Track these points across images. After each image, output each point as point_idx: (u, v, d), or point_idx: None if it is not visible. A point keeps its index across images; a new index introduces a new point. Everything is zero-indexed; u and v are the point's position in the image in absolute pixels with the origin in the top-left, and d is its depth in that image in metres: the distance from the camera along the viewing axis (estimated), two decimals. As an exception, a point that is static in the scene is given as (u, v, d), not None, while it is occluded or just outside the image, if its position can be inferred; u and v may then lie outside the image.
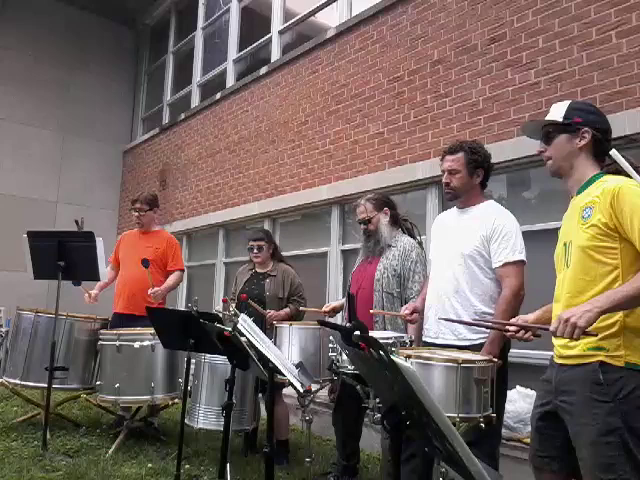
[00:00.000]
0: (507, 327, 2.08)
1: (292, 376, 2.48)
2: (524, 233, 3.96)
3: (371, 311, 3.06)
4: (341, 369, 2.74)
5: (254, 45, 7.87)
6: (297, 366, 2.58)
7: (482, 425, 2.14)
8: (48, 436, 3.83)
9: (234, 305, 3.87)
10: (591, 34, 3.84)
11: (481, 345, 2.58)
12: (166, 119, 9.77)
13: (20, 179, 9.32)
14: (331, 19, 6.49)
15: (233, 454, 3.62)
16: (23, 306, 4.40)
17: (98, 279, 4.27)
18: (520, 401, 3.67)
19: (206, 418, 3.64)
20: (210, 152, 8.12)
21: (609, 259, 1.81)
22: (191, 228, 8.39)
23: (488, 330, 2.56)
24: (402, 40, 5.30)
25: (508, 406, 3.64)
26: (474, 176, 2.79)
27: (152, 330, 3.66)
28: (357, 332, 1.53)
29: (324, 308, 3.62)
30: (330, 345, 2.85)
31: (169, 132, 9.33)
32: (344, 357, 2.71)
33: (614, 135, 2.09)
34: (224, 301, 4.07)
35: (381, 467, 3.18)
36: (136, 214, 4.66)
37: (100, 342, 4.16)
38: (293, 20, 7.17)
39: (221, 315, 3.65)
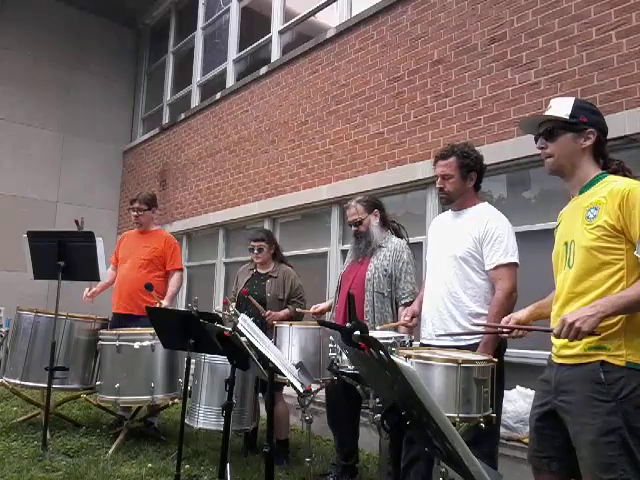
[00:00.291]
0: (503, 330, 2.08)
1: (292, 376, 2.48)
2: (524, 233, 3.99)
3: (378, 328, 3.07)
4: (341, 369, 2.74)
5: (254, 45, 7.87)
6: (297, 366, 2.58)
7: (482, 425, 2.15)
8: (48, 436, 3.84)
9: (234, 304, 3.87)
10: (591, 34, 3.84)
11: (474, 346, 2.58)
12: (166, 119, 9.77)
13: (20, 179, 9.32)
14: (331, 19, 6.49)
15: (233, 454, 3.62)
16: (23, 306, 4.40)
17: (98, 279, 4.27)
18: (520, 401, 3.67)
19: (206, 418, 3.64)
20: (210, 152, 8.12)
21: (614, 260, 1.80)
22: (191, 228, 8.39)
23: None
24: (402, 40, 5.30)
25: (508, 406, 3.65)
26: (467, 180, 2.79)
27: (152, 330, 3.66)
28: (357, 332, 1.53)
29: (312, 310, 3.67)
30: (330, 345, 2.85)
31: (169, 132, 9.33)
32: (344, 357, 2.71)
33: (614, 135, 2.09)
34: (224, 302, 4.07)
35: (379, 467, 3.17)
36: (134, 214, 4.67)
37: (100, 342, 4.16)
38: (293, 20, 7.18)
39: (221, 315, 3.65)
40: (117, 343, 4.01)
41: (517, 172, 4.36)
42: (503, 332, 2.05)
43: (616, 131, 2.05)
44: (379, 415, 2.32)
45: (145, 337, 3.99)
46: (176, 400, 4.10)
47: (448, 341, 2.67)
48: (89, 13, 10.33)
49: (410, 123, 5.10)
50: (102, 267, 4.13)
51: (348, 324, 1.77)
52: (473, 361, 2.18)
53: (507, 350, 2.79)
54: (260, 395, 3.91)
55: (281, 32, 7.33)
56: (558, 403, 1.89)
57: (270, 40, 7.45)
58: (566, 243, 1.96)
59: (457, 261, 2.71)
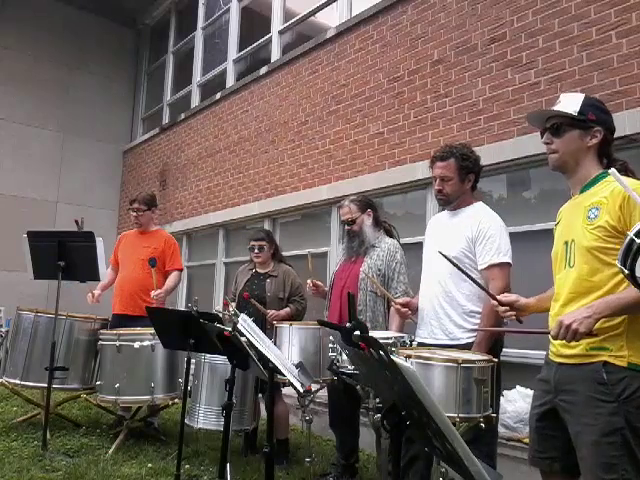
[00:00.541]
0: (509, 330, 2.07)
1: (292, 376, 2.48)
2: (524, 233, 3.99)
3: (362, 269, 3.10)
4: (341, 369, 2.74)
5: (254, 45, 7.87)
6: (297, 366, 2.58)
7: (482, 425, 2.15)
8: (48, 436, 3.84)
9: (234, 305, 3.87)
10: (591, 34, 3.84)
11: (471, 344, 2.59)
12: (166, 119, 9.77)
13: (20, 179, 9.31)
14: (331, 19, 6.49)
15: (233, 454, 3.63)
16: (23, 306, 4.40)
17: (98, 279, 4.27)
18: (520, 401, 3.67)
19: (206, 418, 3.64)
20: (210, 152, 8.12)
21: (615, 261, 1.78)
22: (191, 228, 8.39)
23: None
24: (402, 40, 5.30)
25: (508, 406, 3.65)
26: (465, 181, 2.79)
27: (152, 330, 3.66)
28: (357, 332, 1.53)
29: (309, 281, 3.63)
30: (330, 345, 2.85)
31: (169, 132, 9.33)
32: (344, 357, 2.71)
33: (614, 135, 2.08)
34: (225, 304, 4.07)
35: (378, 467, 3.18)
36: (134, 214, 4.67)
37: (100, 342, 4.16)
38: (293, 20, 7.17)
39: (221, 315, 3.65)
40: (117, 343, 4.01)
41: (517, 172, 4.36)
42: (504, 333, 2.04)
43: (616, 131, 2.04)
44: (379, 415, 2.32)
45: (145, 337, 3.99)
46: (176, 400, 4.11)
47: (446, 340, 2.68)
48: (89, 13, 10.32)
49: (410, 123, 5.10)
50: (102, 267, 4.14)
51: (348, 324, 1.77)
52: (473, 361, 2.18)
53: (507, 350, 2.79)
54: (260, 395, 3.91)
55: (281, 32, 7.33)
56: (559, 402, 1.88)
57: (270, 40, 7.45)
58: (566, 242, 1.94)
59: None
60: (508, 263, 2.66)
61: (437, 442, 1.19)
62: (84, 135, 10.12)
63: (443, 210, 3.02)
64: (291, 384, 2.51)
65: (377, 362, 1.29)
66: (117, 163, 10.65)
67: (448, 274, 2.70)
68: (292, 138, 6.55)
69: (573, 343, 1.80)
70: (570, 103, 1.97)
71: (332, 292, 3.53)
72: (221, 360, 3.56)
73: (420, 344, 2.80)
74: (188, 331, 3.13)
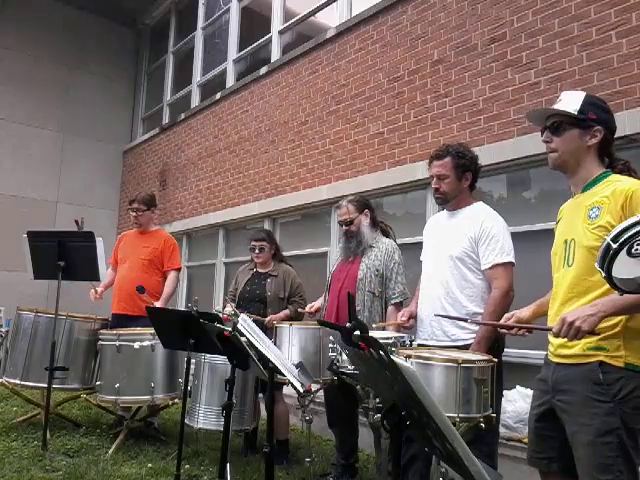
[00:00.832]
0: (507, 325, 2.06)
1: (292, 376, 2.48)
2: (524, 233, 3.98)
3: (374, 325, 3.08)
4: (341, 369, 2.74)
5: (254, 45, 7.87)
6: (297, 366, 2.58)
7: (482, 425, 2.15)
8: (48, 436, 3.84)
9: (234, 304, 3.87)
10: (591, 34, 3.84)
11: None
12: (166, 119, 9.77)
13: (20, 179, 9.31)
14: (331, 19, 6.49)
15: (233, 454, 3.63)
16: (23, 306, 4.40)
17: (98, 279, 4.27)
18: (520, 401, 3.68)
19: (206, 418, 3.65)
20: (210, 152, 8.12)
21: None
22: (191, 228, 8.39)
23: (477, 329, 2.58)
24: (402, 40, 5.30)
25: (508, 406, 3.65)
26: (462, 180, 2.80)
27: (152, 330, 3.66)
28: (357, 332, 1.53)
29: (307, 309, 3.70)
30: (330, 345, 2.85)
31: (169, 132, 9.33)
32: (344, 357, 2.71)
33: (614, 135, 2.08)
34: (225, 302, 4.06)
35: (377, 467, 3.18)
36: (133, 214, 4.67)
37: (100, 342, 4.16)
38: (293, 20, 7.17)
39: (221, 315, 3.65)
40: (117, 343, 4.01)
41: (517, 172, 4.36)
42: (502, 328, 2.04)
43: (616, 131, 2.04)
44: (379, 415, 2.32)
45: (145, 337, 3.99)
46: (176, 400, 4.11)
47: (447, 341, 2.67)
48: (89, 13, 10.33)
49: (410, 123, 5.10)
50: (102, 267, 4.14)
51: (348, 324, 1.77)
52: (473, 361, 2.18)
53: (507, 350, 2.79)
54: (260, 395, 3.91)
55: (281, 32, 7.33)
56: (556, 402, 1.88)
57: (270, 40, 7.45)
58: (566, 241, 1.94)
59: (453, 261, 2.71)
60: (512, 262, 2.66)
61: (437, 442, 1.19)
62: (84, 135, 10.12)
63: (442, 210, 3.02)
64: (291, 384, 2.51)
65: (377, 362, 1.29)
66: (117, 163, 10.65)
67: (451, 275, 2.70)
68: (292, 138, 6.55)
69: (571, 343, 1.80)
70: (571, 102, 1.96)
71: (329, 293, 3.53)
72: (221, 360, 3.56)
73: (421, 345, 2.80)
74: (188, 331, 3.13)
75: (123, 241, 4.83)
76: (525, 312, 2.08)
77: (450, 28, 4.85)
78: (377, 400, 2.50)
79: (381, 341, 1.98)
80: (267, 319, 3.86)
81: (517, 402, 3.69)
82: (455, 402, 2.10)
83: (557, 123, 1.96)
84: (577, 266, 1.86)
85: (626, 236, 1.43)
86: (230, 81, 8.17)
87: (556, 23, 4.06)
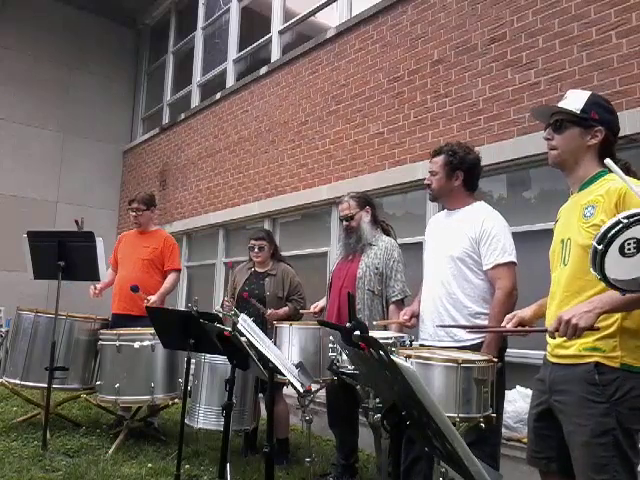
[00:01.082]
0: (506, 327, 2.06)
1: (292, 376, 2.48)
2: (524, 233, 3.98)
3: (375, 323, 3.08)
4: (341, 369, 2.74)
5: (254, 45, 7.87)
6: (297, 366, 2.58)
7: (482, 425, 2.14)
8: (48, 436, 3.84)
9: (233, 304, 3.87)
10: (591, 34, 3.84)
11: (477, 345, 2.58)
12: (166, 119, 9.77)
13: (20, 179, 9.32)
14: (331, 19, 6.49)
15: (233, 454, 3.62)
16: (23, 306, 4.40)
17: (98, 279, 4.27)
18: (520, 401, 3.68)
19: (206, 418, 3.64)
20: (210, 152, 8.12)
21: None
22: (191, 228, 8.39)
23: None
24: (402, 40, 5.30)
25: (508, 406, 3.65)
26: (453, 178, 2.80)
27: (152, 330, 3.66)
28: (357, 332, 1.53)
29: (312, 309, 3.69)
30: (330, 345, 2.85)
31: (169, 132, 9.33)
32: (344, 357, 2.71)
33: (614, 135, 2.07)
34: (225, 301, 4.06)
35: (378, 467, 3.18)
36: (133, 214, 4.67)
37: (100, 342, 4.16)
38: (293, 20, 7.18)
39: (221, 315, 3.65)
40: (117, 343, 4.01)
41: (517, 172, 4.36)
42: (500, 333, 2.04)
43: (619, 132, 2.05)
44: (379, 415, 2.32)
45: (145, 337, 3.99)
46: (176, 400, 4.11)
47: (449, 341, 2.67)
48: (89, 13, 10.33)
49: (410, 123, 5.10)
50: (102, 267, 4.14)
51: (348, 324, 1.77)
52: (473, 361, 2.18)
53: (507, 350, 2.79)
54: (260, 395, 3.91)
55: (281, 32, 7.33)
56: (553, 402, 1.88)
57: (270, 40, 7.45)
58: (563, 240, 1.94)
59: (454, 261, 2.71)
60: (514, 262, 2.66)
61: (437, 442, 1.19)
62: (84, 135, 10.12)
63: (442, 211, 3.03)
64: (291, 384, 2.51)
65: (377, 362, 1.29)
66: (117, 163, 10.65)
67: (452, 275, 2.70)
68: (292, 138, 6.55)
69: (568, 343, 1.81)
70: (575, 100, 1.96)
71: (330, 292, 3.53)
72: (221, 360, 3.56)
73: (422, 345, 2.80)
74: (188, 331, 3.13)
75: (123, 241, 4.83)
76: (527, 312, 2.08)
77: (450, 28, 4.85)
78: (377, 400, 2.50)
79: (381, 341, 1.98)
80: (268, 312, 3.86)
81: (517, 402, 3.69)
82: (455, 402, 2.10)
83: (559, 121, 1.96)
84: (572, 265, 1.87)
85: (609, 235, 1.43)
86: (230, 81, 8.17)
87: (556, 23, 4.06)
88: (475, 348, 2.56)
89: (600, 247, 1.43)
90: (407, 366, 1.14)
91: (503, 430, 3.57)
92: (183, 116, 8.96)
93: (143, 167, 9.99)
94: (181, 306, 8.07)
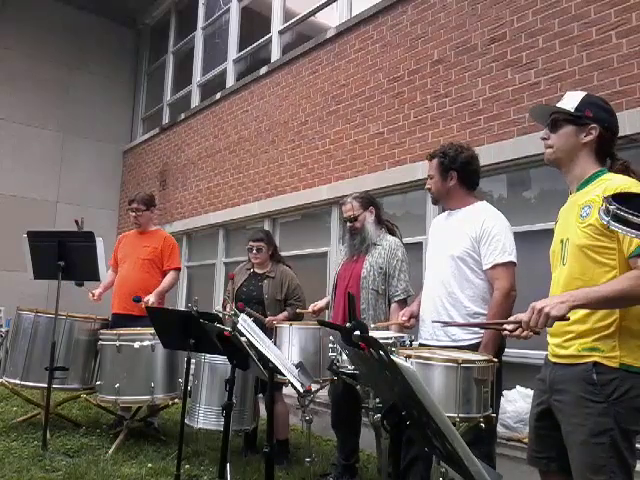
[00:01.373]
0: (504, 326, 2.06)
1: (292, 376, 2.48)
2: (524, 233, 3.98)
3: (372, 325, 3.08)
4: (341, 369, 2.74)
5: (254, 45, 7.87)
6: (297, 366, 2.58)
7: (482, 425, 2.15)
8: (48, 436, 3.84)
9: (233, 304, 3.87)
10: (591, 34, 3.84)
11: (475, 345, 2.58)
12: (166, 119, 9.77)
13: (20, 179, 9.31)
14: (331, 19, 6.49)
15: (233, 454, 3.62)
16: (23, 306, 4.40)
17: (98, 279, 4.27)
18: (520, 401, 3.67)
19: (206, 418, 3.64)
20: (210, 152, 8.12)
21: (606, 259, 1.78)
22: (191, 228, 8.39)
23: (482, 330, 2.57)
24: (402, 40, 5.30)
25: (508, 406, 3.65)
26: (447, 179, 2.81)
27: (152, 330, 3.66)
28: (357, 332, 1.53)
29: (310, 308, 3.70)
30: (330, 345, 2.85)
31: (169, 132, 9.33)
32: (344, 357, 2.71)
33: (614, 135, 2.07)
34: (225, 301, 4.05)
35: (379, 467, 3.18)
36: (133, 214, 4.67)
37: (100, 342, 4.16)
38: (293, 20, 7.18)
39: (221, 315, 3.65)
40: (117, 343, 4.01)
41: (517, 172, 4.36)
42: (505, 329, 2.02)
43: (618, 131, 2.05)
44: (379, 415, 2.32)
45: (145, 337, 3.99)
46: (176, 400, 4.10)
47: (448, 341, 2.67)
48: (89, 13, 10.33)
49: (410, 123, 5.10)
50: (102, 267, 4.14)
51: (348, 324, 1.77)
52: (473, 361, 2.18)
53: (507, 350, 2.78)
54: (260, 395, 3.91)
55: (281, 32, 7.33)
56: (553, 402, 1.88)
57: (270, 40, 7.45)
58: (562, 240, 1.95)
59: (454, 261, 2.71)
60: (513, 262, 2.66)
61: (437, 442, 1.19)
62: (84, 135, 10.12)
63: (444, 212, 3.03)
64: (291, 384, 2.51)
65: (377, 362, 1.29)
66: (117, 163, 10.65)
67: (452, 275, 2.70)
68: (292, 138, 6.55)
69: (567, 344, 1.82)
70: (570, 100, 1.99)
71: (335, 292, 3.53)
72: (221, 360, 3.56)
73: (422, 345, 2.80)
74: (188, 331, 3.13)
75: (123, 242, 4.84)
76: (527, 315, 2.07)
77: (450, 28, 4.85)
78: (377, 400, 2.50)
79: (381, 341, 1.98)
80: (267, 319, 3.86)
81: (517, 402, 3.68)
82: (455, 402, 2.10)
83: (555, 120, 1.99)
84: (570, 265, 1.87)
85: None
86: (230, 81, 8.17)
87: (556, 23, 4.06)
88: (473, 348, 2.56)
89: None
90: (407, 366, 1.14)
91: (503, 430, 3.58)
92: (183, 116, 8.96)
93: (143, 167, 9.99)
94: (181, 306, 8.07)
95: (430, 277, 2.87)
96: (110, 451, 3.82)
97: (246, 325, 2.57)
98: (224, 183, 7.74)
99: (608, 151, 1.97)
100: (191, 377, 3.53)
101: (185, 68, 9.53)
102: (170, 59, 10.08)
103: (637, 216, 1.37)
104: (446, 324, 2.59)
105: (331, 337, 2.81)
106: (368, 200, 3.54)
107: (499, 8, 4.47)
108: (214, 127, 8.13)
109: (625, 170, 1.91)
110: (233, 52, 8.25)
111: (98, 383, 4.13)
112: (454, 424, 1.99)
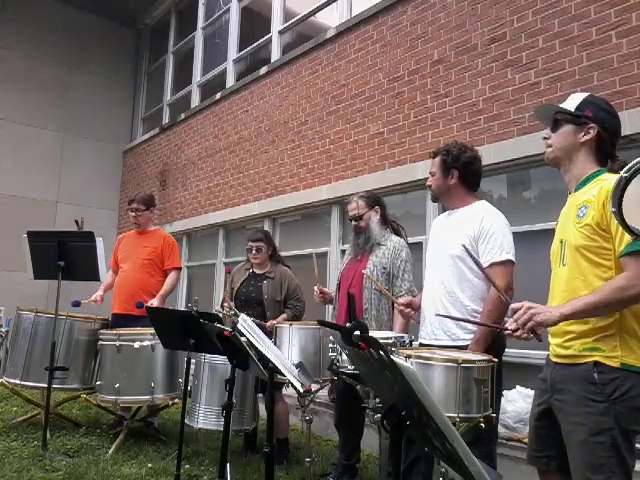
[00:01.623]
0: (505, 326, 2.05)
1: (292, 376, 2.48)
2: (524, 233, 3.98)
3: (364, 271, 3.10)
4: (341, 369, 2.74)
5: (254, 45, 7.87)
6: (297, 366, 2.58)
7: (482, 425, 2.14)
8: (48, 436, 3.84)
9: (232, 304, 3.86)
10: (591, 34, 3.84)
11: None
12: (166, 119, 9.77)
13: (20, 179, 9.32)
14: (331, 19, 6.49)
15: (233, 454, 3.63)
16: (23, 306, 4.40)
17: (98, 279, 4.27)
18: (520, 401, 3.67)
19: (206, 418, 3.64)
20: (210, 152, 8.12)
21: (603, 260, 1.78)
22: (191, 228, 8.39)
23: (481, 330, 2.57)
24: (402, 40, 5.30)
25: (508, 406, 3.65)
26: (448, 177, 2.82)
27: (152, 330, 3.66)
28: (357, 332, 1.53)
29: (316, 287, 3.60)
30: (330, 345, 2.85)
31: (169, 132, 9.33)
32: (344, 357, 2.71)
33: (615, 135, 2.07)
34: (225, 302, 4.04)
35: (380, 467, 3.18)
36: (133, 214, 4.67)
37: (100, 342, 4.16)
38: (293, 20, 7.18)
39: (221, 315, 3.65)
40: (117, 343, 4.01)
41: (517, 172, 4.36)
42: (507, 329, 2.02)
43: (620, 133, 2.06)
44: (379, 415, 2.32)
45: (145, 337, 3.99)
46: (176, 400, 4.10)
47: (448, 341, 2.67)
48: (89, 13, 10.33)
49: (410, 123, 5.10)
50: (102, 267, 4.14)
51: (348, 324, 1.77)
52: (473, 361, 2.18)
53: (507, 350, 2.78)
54: (260, 395, 3.90)
55: (281, 32, 7.33)
56: (553, 401, 1.89)
57: (270, 40, 7.45)
58: (561, 241, 1.95)
59: (453, 260, 2.71)
60: (511, 261, 2.65)
61: (437, 442, 1.19)
62: (84, 135, 10.12)
63: (444, 211, 3.04)
64: (291, 384, 2.51)
65: (377, 362, 1.29)
66: (117, 163, 10.65)
67: (451, 274, 2.70)
68: (292, 138, 6.55)
69: (568, 344, 1.83)
70: (572, 100, 2.01)
71: (339, 292, 3.52)
72: (221, 360, 3.55)
73: (421, 345, 2.80)
74: (188, 331, 3.13)
75: (122, 242, 4.84)
76: None
77: (450, 28, 4.85)
78: (377, 400, 2.50)
79: (381, 341, 1.98)
80: (268, 324, 3.85)
81: (517, 402, 3.68)
82: (455, 402, 2.10)
83: (556, 120, 2.01)
84: (569, 266, 1.88)
85: (636, 167, 1.38)
86: (230, 81, 8.17)
87: (556, 23, 4.06)
88: None
89: (625, 175, 1.40)
90: (407, 366, 1.14)
91: (503, 430, 3.57)
92: (183, 116, 8.96)
93: (143, 167, 9.99)
94: (181, 306, 8.07)
95: (430, 277, 2.87)
96: (110, 451, 3.82)
97: (246, 325, 2.57)
98: (224, 183, 7.74)
99: (608, 152, 1.96)
100: (191, 377, 3.53)
101: (185, 68, 9.53)
102: (170, 59, 10.08)
103: None
104: (449, 317, 2.58)
105: (331, 337, 2.81)
106: (374, 199, 3.53)
107: (499, 8, 4.47)
108: (214, 127, 8.13)
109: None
110: (233, 52, 8.26)
111: (98, 383, 4.13)
112: (454, 424, 1.99)
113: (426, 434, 1.24)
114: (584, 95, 2.02)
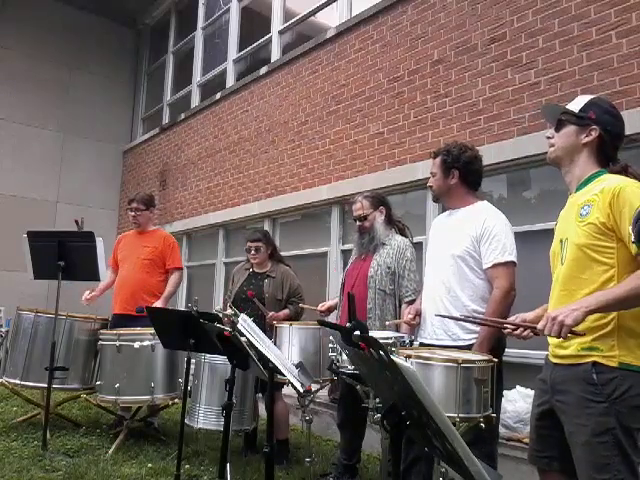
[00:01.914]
0: (505, 325, 2.06)
1: (292, 376, 2.48)
2: (524, 233, 3.98)
3: (387, 323, 3.09)
4: (341, 369, 2.74)
5: (254, 45, 7.87)
6: (297, 366, 2.58)
7: (482, 425, 2.15)
8: (48, 436, 3.84)
9: (232, 304, 3.86)
10: (591, 34, 3.84)
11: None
12: (166, 119, 9.77)
13: (20, 179, 9.32)
14: (331, 19, 6.49)
15: (233, 454, 3.62)
16: (23, 306, 4.40)
17: (98, 279, 4.27)
18: (520, 401, 3.67)
19: (206, 418, 3.64)
20: (210, 152, 8.12)
21: (605, 258, 1.79)
22: (191, 228, 8.39)
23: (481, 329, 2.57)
24: (402, 40, 5.30)
25: (508, 406, 3.65)
26: (449, 177, 2.82)
27: (152, 330, 3.66)
28: (357, 332, 1.53)
29: (319, 307, 3.69)
30: (330, 345, 2.85)
31: (169, 132, 9.33)
32: (344, 357, 2.71)
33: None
34: (225, 302, 4.03)
35: (381, 467, 3.18)
36: (132, 214, 4.67)
37: (100, 342, 4.15)
38: (293, 20, 7.18)
39: (221, 315, 3.65)
40: (117, 343, 4.01)
41: (517, 172, 4.36)
42: (506, 328, 2.02)
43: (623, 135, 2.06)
44: (379, 415, 2.32)
45: (145, 337, 3.99)
46: (176, 400, 4.10)
47: (448, 341, 2.67)
48: (89, 13, 10.33)
49: (410, 123, 5.10)
50: (102, 267, 4.14)
51: (348, 324, 1.77)
52: (473, 361, 2.18)
53: (507, 350, 2.79)
54: (260, 395, 3.90)
55: (281, 32, 7.33)
56: (555, 402, 1.89)
57: (270, 40, 7.45)
58: (562, 240, 1.96)
59: (454, 260, 2.71)
60: (513, 262, 2.66)
61: (437, 442, 1.19)
62: (84, 135, 10.12)
63: (444, 211, 3.04)
64: (291, 384, 2.51)
65: (377, 362, 1.29)
66: (117, 163, 10.65)
67: (452, 274, 2.71)
68: (292, 138, 6.55)
69: (566, 344, 1.82)
70: (578, 102, 2.02)
71: (344, 291, 3.52)
72: (221, 360, 3.55)
73: (422, 344, 2.80)
74: (188, 331, 3.13)
75: (122, 242, 4.83)
76: (530, 315, 2.08)
77: (450, 28, 4.85)
78: (377, 400, 2.50)
79: (381, 341, 1.98)
80: (269, 315, 3.85)
81: (517, 402, 3.68)
82: (455, 402, 2.10)
83: (560, 119, 2.02)
84: (568, 264, 1.88)
85: None
86: (230, 81, 8.17)
87: (556, 23, 4.06)
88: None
89: None
90: (407, 366, 1.14)
91: (503, 430, 3.57)
92: (183, 116, 8.96)
93: (143, 167, 9.99)
94: (181, 306, 8.06)
95: (431, 276, 2.87)
96: (110, 451, 3.82)
97: (246, 325, 2.58)
98: (224, 183, 7.74)
99: (610, 155, 1.97)
100: (191, 377, 3.53)
101: (185, 68, 9.53)
102: (170, 59, 10.08)
103: None
104: (449, 318, 2.58)
105: (331, 337, 2.81)
106: (379, 200, 3.53)
107: (499, 8, 4.47)
108: (214, 127, 8.13)
109: (622, 170, 1.92)
110: (233, 52, 8.26)
111: (98, 383, 4.13)
112: (454, 424, 1.99)
113: (426, 434, 1.24)
114: (590, 97, 2.03)
